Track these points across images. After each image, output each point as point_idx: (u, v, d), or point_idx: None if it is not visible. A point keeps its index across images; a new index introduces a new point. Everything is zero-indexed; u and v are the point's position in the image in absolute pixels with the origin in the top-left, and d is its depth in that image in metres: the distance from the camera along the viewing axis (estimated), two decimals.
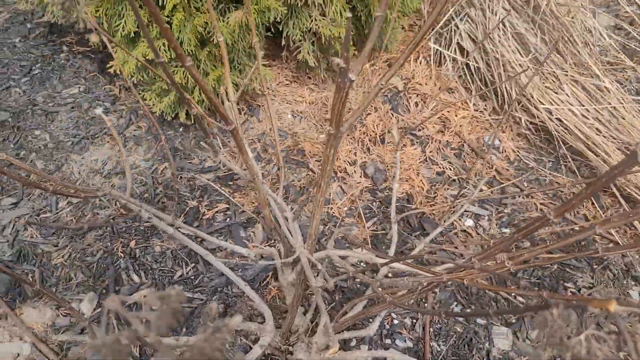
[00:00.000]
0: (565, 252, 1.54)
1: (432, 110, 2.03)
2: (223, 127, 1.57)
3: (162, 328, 0.26)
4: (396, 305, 0.79)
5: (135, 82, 1.72)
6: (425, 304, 1.46)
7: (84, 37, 2.34)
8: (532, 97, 1.85)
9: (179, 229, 1.28)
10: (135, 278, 1.48)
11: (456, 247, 1.41)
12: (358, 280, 1.52)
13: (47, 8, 1.64)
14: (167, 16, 1.49)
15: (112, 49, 0.99)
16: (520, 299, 1.48)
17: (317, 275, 1.30)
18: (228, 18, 1.53)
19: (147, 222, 1.61)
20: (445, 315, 0.66)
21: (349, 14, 0.50)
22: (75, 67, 2.23)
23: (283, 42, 1.89)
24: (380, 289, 0.95)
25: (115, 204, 1.65)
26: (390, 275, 1.48)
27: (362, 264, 1.56)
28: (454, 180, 1.82)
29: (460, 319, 1.44)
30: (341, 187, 1.77)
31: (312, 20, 1.73)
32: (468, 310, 1.46)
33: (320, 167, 0.72)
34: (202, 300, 1.44)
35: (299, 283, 1.10)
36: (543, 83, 1.85)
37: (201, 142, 1.88)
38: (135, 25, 1.50)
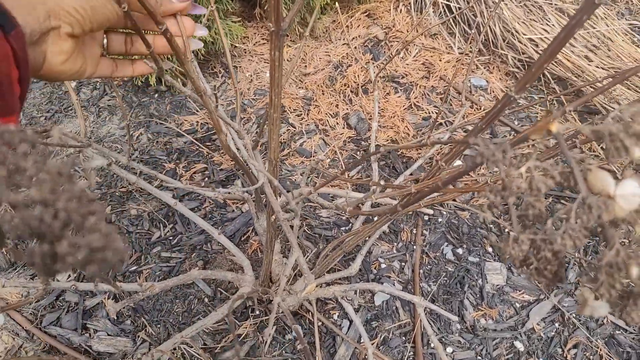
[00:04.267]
0: None
1: (414, 56, 1.95)
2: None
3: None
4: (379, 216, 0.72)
5: None
6: (415, 246, 1.39)
7: None
8: (517, 31, 1.76)
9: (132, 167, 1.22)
10: None
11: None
12: (344, 228, 1.46)
13: None
14: None
15: None
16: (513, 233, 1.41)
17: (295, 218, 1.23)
18: None
19: (122, 187, 1.56)
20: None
21: None
22: None
23: None
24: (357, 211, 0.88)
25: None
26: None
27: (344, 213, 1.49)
28: (441, 124, 1.74)
29: (452, 258, 1.37)
30: (323, 140, 1.70)
31: None
32: (459, 249, 1.39)
33: (270, 80, 0.62)
34: (180, 258, 1.38)
35: (269, 218, 1.04)
36: (527, 15, 1.76)
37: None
38: None
